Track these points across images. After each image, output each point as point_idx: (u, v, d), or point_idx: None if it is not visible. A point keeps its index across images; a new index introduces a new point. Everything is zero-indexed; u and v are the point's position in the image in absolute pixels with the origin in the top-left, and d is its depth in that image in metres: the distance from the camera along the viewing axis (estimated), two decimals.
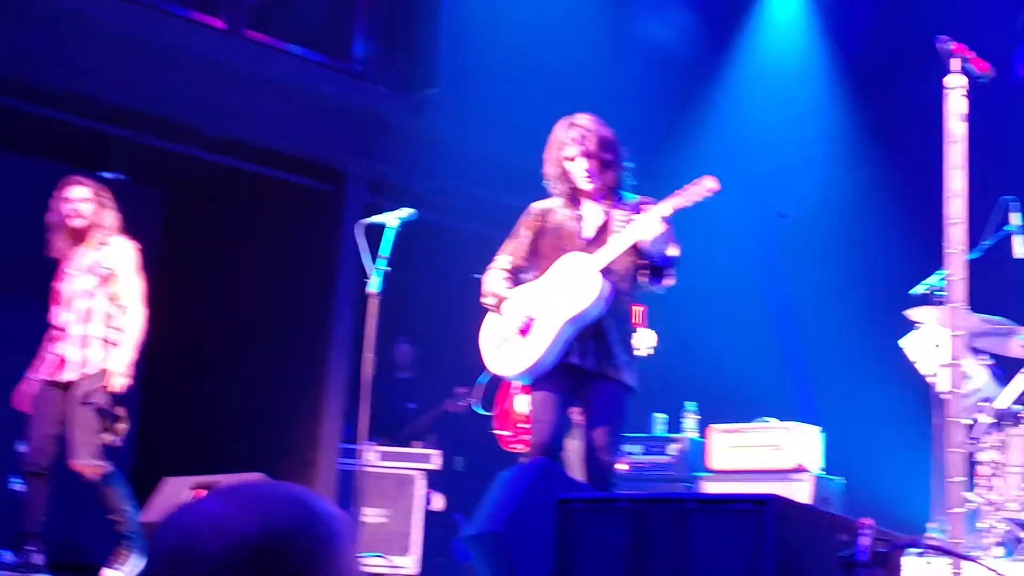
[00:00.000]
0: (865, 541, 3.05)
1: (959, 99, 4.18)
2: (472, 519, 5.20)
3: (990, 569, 3.53)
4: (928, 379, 6.32)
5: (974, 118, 4.34)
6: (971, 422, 6.04)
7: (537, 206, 5.10)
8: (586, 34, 8.62)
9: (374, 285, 5.60)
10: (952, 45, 4.17)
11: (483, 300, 5.05)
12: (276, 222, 7.96)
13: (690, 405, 7.37)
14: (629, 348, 4.91)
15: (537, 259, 5.02)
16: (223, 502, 1.47)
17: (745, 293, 9.48)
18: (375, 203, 7.62)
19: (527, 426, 6.07)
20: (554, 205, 5.05)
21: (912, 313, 6.57)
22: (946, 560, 3.93)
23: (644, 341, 6.16)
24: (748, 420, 6.94)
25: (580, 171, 4.90)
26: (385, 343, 7.99)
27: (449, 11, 8.02)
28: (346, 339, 7.62)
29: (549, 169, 5.02)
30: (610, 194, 4.98)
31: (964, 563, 3.91)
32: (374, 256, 5.64)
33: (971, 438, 6.21)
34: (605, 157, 4.92)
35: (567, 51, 8.44)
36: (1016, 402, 6.53)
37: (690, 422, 7.30)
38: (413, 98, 8.05)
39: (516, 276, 5.06)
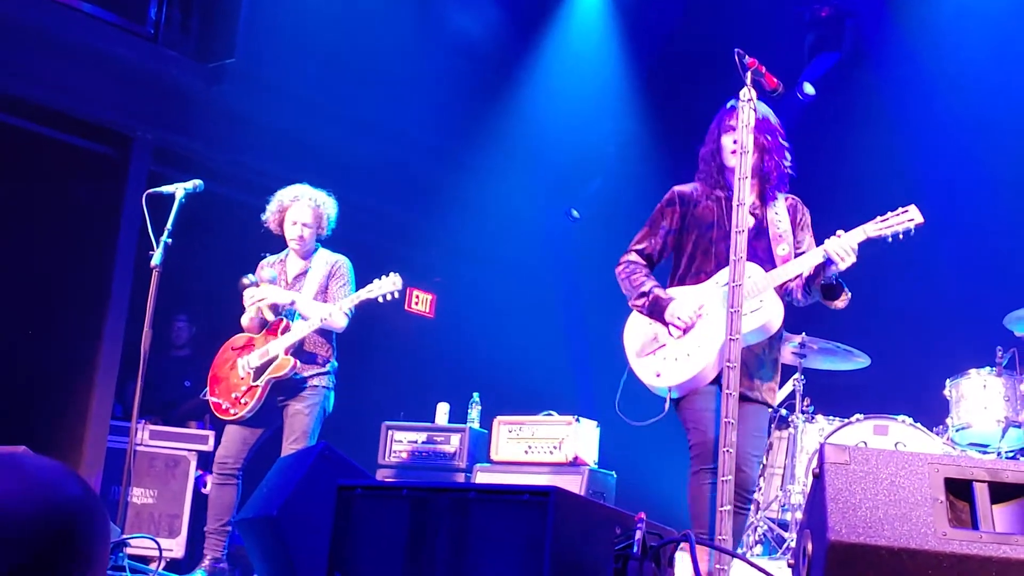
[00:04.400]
0: (639, 535, 3.11)
1: (751, 112, 4.32)
2: (248, 503, 5.07)
3: (753, 565, 3.66)
4: None
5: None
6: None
7: (680, 193, 4.69)
8: (392, 18, 8.54)
9: (156, 258, 5.40)
10: (748, 59, 4.30)
11: (635, 302, 4.62)
12: (55, 186, 7.56)
13: (475, 396, 7.40)
14: (774, 366, 4.63)
15: (679, 255, 4.65)
16: None
17: (535, 288, 9.61)
18: (162, 172, 7.36)
19: (244, 390, 5.96)
20: (696, 194, 4.67)
21: None
22: (713, 555, 4.06)
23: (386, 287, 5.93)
24: (532, 413, 7.02)
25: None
26: (162, 319, 7.72)
27: None
28: (122, 312, 7.33)
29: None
30: (763, 189, 4.64)
31: (729, 559, 4.05)
32: (157, 227, 5.43)
33: None
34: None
35: (372, 32, 8.34)
36: (783, 406, 6.84)
37: (474, 412, 7.33)
38: (208, 67, 7.80)
39: (653, 271, 4.69)
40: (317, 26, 8.03)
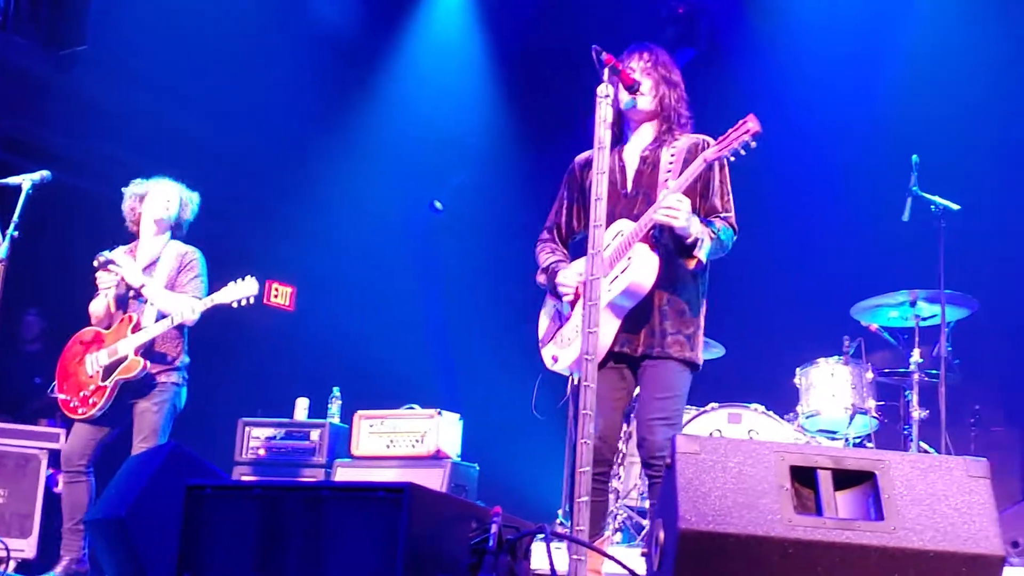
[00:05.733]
0: (494, 529, 3.13)
1: (607, 108, 4.35)
2: (96, 503, 4.94)
3: (609, 557, 3.71)
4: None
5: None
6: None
7: (578, 161, 4.55)
8: (250, 4, 8.39)
9: (1, 251, 5.23)
10: (605, 55, 4.33)
11: (539, 278, 4.49)
12: None
13: (335, 390, 7.34)
14: (680, 316, 4.27)
15: (586, 223, 4.31)
16: None
17: (397, 281, 9.58)
18: (11, 162, 7.11)
19: (92, 389, 5.79)
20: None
21: None
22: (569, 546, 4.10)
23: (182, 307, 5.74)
24: (394, 407, 6.99)
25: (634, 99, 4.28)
26: (11, 313, 7.47)
27: None
28: None
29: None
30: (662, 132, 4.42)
31: (586, 550, 4.09)
32: (3, 220, 5.26)
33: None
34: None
35: (229, 19, 8.18)
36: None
37: (334, 407, 7.26)
38: (59, 54, 7.58)
39: (567, 245, 4.50)
40: (172, 12, 7.85)
